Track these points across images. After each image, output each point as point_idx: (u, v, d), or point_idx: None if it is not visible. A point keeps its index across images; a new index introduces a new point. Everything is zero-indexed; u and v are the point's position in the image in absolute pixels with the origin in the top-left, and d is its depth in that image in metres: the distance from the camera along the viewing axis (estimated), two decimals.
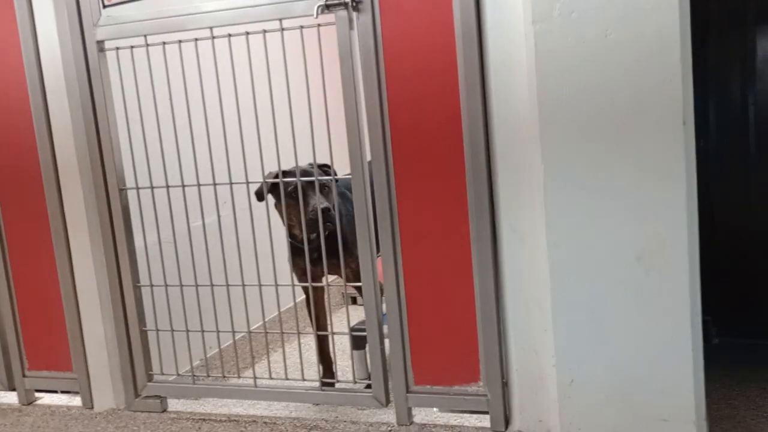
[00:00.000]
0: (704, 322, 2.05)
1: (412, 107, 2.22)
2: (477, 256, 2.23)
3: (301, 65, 2.34)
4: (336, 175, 2.66)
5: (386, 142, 2.26)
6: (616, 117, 1.96)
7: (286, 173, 2.61)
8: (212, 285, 2.61)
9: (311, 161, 2.58)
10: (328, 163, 2.54)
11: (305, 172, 2.61)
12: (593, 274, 2.05)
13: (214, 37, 2.40)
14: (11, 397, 2.93)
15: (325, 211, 2.59)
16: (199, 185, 2.54)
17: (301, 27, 2.30)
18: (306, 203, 2.60)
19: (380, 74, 2.22)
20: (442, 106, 2.18)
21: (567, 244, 2.06)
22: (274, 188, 2.71)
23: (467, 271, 2.24)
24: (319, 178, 2.57)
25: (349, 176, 2.37)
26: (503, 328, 2.25)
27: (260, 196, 2.74)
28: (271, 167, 2.59)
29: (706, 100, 2.66)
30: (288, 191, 2.65)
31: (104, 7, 2.50)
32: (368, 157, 2.33)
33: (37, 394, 2.94)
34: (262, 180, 2.62)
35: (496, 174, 2.16)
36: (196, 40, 2.44)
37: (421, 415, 2.47)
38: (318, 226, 2.55)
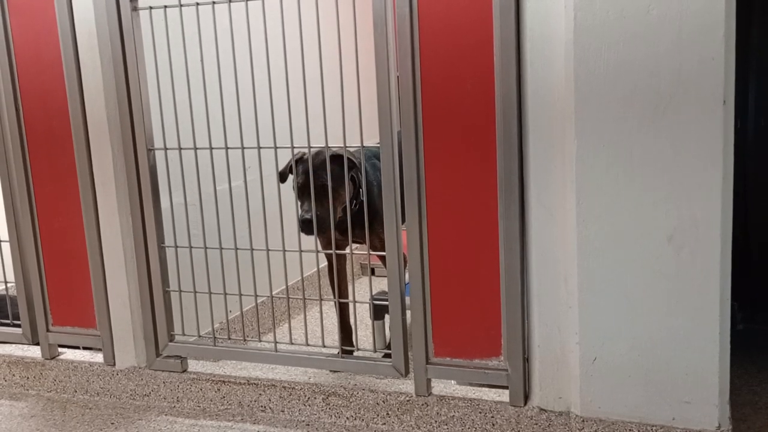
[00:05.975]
0: (730, 307, 2.03)
1: (445, 77, 2.19)
2: (504, 229, 2.21)
3: (333, 30, 2.32)
4: (358, 160, 2.62)
5: (417, 112, 2.24)
6: (655, 94, 1.93)
7: (299, 161, 2.62)
8: (236, 248, 2.62)
9: (325, 146, 2.50)
10: (354, 145, 2.48)
11: (317, 155, 2.58)
12: (622, 253, 2.03)
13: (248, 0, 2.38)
14: (34, 351, 2.98)
15: (306, 222, 2.54)
16: (227, 148, 2.54)
17: None
18: (302, 202, 2.59)
19: (414, 42, 2.19)
20: (476, 76, 2.15)
21: (597, 222, 2.04)
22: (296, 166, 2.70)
23: (493, 244, 2.23)
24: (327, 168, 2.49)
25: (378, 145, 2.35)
26: (527, 304, 2.24)
27: (282, 177, 2.73)
28: (301, 133, 2.58)
29: (745, 80, 2.60)
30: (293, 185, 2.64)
31: None
32: (397, 127, 2.32)
33: (59, 350, 2.98)
34: (290, 146, 2.61)
35: (528, 147, 2.13)
36: (230, 1, 2.43)
37: (439, 386, 2.47)
38: (311, 229, 2.54)
